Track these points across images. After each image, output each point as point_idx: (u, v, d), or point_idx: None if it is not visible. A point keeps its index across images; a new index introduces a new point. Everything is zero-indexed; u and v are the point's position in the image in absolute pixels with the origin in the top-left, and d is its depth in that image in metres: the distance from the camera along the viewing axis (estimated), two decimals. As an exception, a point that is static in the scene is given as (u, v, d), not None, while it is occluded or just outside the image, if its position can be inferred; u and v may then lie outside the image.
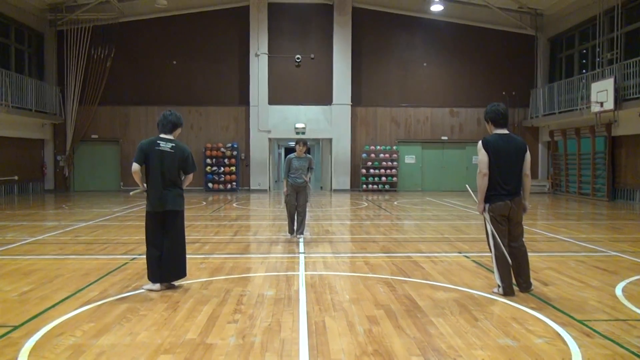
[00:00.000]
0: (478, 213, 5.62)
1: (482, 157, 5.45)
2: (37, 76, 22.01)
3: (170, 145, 5.76)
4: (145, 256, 5.88)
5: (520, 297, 5.46)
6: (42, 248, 8.49)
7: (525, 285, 5.57)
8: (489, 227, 5.49)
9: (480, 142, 5.53)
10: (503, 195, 5.41)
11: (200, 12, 23.02)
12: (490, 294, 5.55)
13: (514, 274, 5.57)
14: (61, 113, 22.51)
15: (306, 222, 10.04)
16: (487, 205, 5.50)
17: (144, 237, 5.88)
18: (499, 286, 5.52)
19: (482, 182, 5.44)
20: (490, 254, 5.61)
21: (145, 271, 6.52)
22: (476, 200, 5.63)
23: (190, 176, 5.98)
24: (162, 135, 5.84)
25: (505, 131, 5.57)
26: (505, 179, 5.42)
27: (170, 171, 5.73)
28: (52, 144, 22.92)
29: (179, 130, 5.96)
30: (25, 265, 7.04)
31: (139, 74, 23.02)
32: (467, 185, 6.61)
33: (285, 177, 9.31)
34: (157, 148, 5.70)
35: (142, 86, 23.01)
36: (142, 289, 5.74)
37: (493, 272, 5.63)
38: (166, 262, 5.72)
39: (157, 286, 5.72)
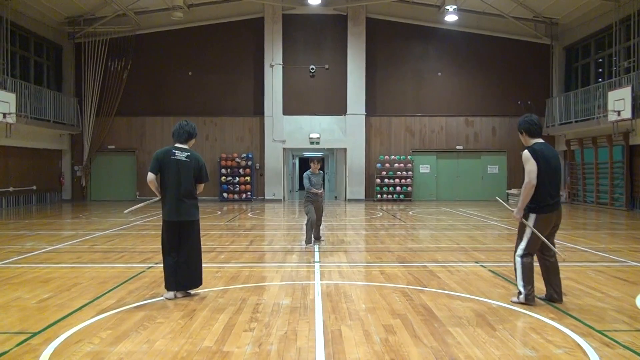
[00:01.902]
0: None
1: (532, 167, 5.25)
2: (56, 88, 22.38)
3: (185, 154, 5.80)
4: (162, 265, 5.92)
5: (539, 307, 5.39)
6: (60, 256, 8.58)
7: (558, 297, 5.52)
8: (532, 231, 5.29)
9: (526, 152, 5.34)
10: (551, 205, 5.30)
11: (216, 23, 23.27)
12: (509, 304, 5.49)
13: (547, 285, 5.55)
14: (79, 124, 22.83)
15: (321, 232, 10.63)
16: (534, 216, 5.30)
17: (160, 246, 5.93)
18: (520, 293, 5.43)
19: (530, 192, 5.26)
20: (511, 264, 5.56)
21: (161, 279, 6.58)
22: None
23: (202, 186, 5.97)
24: (177, 145, 5.88)
25: (542, 140, 5.51)
26: (554, 189, 5.32)
27: (186, 181, 5.75)
28: (70, 155, 23.24)
29: (193, 141, 6.01)
30: (44, 274, 7.12)
31: (155, 85, 23.29)
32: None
33: (309, 186, 9.83)
34: (172, 157, 5.74)
35: (158, 97, 23.28)
36: (162, 297, 5.79)
37: (516, 278, 5.48)
38: (182, 271, 5.75)
39: (170, 294, 5.75)
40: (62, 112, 21.75)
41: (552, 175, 5.31)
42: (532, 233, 5.32)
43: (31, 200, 20.73)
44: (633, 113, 16.53)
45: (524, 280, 5.37)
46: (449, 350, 4.15)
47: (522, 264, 5.38)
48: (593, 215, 16.79)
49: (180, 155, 5.77)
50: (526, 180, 5.28)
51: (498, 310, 5.32)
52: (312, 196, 9.82)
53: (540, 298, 5.70)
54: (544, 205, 5.29)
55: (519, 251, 5.43)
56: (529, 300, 5.36)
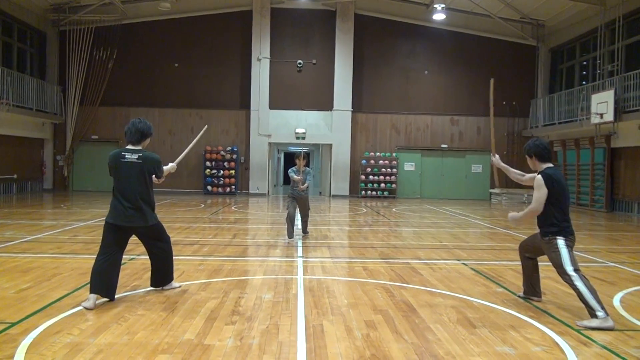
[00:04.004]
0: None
1: (542, 195, 5.03)
2: (39, 75, 22.04)
3: (137, 155, 5.27)
4: (94, 263, 5.23)
5: (518, 305, 5.46)
6: (41, 246, 8.48)
7: (537, 294, 5.64)
8: (570, 255, 5.03)
9: (540, 177, 5.11)
10: (570, 228, 5.16)
11: (203, 15, 23.09)
12: (489, 302, 5.55)
13: (527, 282, 5.66)
14: (62, 113, 22.53)
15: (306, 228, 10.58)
16: (562, 239, 5.07)
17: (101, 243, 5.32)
18: (594, 316, 4.75)
19: (531, 218, 5.20)
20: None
21: (143, 271, 6.54)
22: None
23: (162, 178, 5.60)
24: (128, 147, 5.34)
25: (552, 164, 5.35)
26: (567, 211, 5.21)
27: (139, 184, 5.27)
28: (52, 144, 22.93)
29: (148, 141, 5.43)
30: (24, 263, 7.03)
31: (141, 76, 23.06)
32: None
33: (292, 175, 9.76)
34: (122, 160, 5.25)
35: (143, 88, 23.05)
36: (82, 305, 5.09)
37: (584, 301, 4.82)
38: (163, 269, 5.67)
39: (93, 299, 5.07)
40: (45, 101, 21.44)
41: (567, 199, 5.23)
42: (565, 248, 5.06)
43: (12, 189, 20.43)
44: (615, 116, 16.77)
45: (595, 299, 4.76)
46: (429, 347, 4.19)
47: (582, 279, 4.88)
48: (573, 216, 16.99)
49: (132, 157, 5.24)
50: (533, 205, 5.06)
51: (478, 307, 5.37)
52: (296, 194, 9.70)
53: (519, 296, 5.78)
54: (568, 226, 5.16)
55: (569, 270, 4.94)
56: (608, 321, 4.71)
